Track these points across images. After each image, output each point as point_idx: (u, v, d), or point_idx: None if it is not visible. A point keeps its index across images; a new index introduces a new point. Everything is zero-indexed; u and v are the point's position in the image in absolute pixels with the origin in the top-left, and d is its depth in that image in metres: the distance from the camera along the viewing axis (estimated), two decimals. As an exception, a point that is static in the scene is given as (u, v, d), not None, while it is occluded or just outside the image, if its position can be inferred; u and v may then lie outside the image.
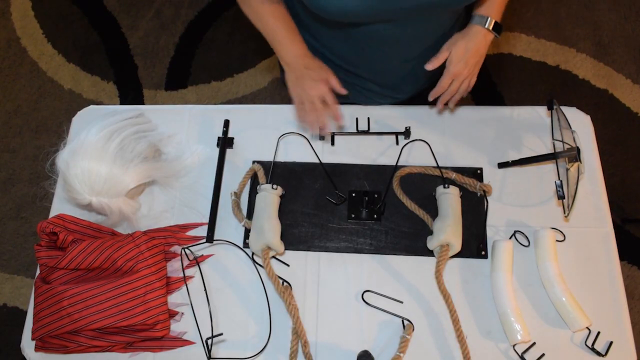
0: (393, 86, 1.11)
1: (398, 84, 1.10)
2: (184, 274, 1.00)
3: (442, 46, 0.96)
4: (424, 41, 0.98)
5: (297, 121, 0.99)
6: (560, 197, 0.92)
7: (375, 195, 1.05)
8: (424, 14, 0.87)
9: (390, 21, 0.88)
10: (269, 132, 1.14)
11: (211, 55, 2.24)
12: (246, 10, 0.97)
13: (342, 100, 1.21)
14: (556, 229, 1.01)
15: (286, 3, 0.99)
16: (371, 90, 1.12)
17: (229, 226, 1.06)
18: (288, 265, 1.02)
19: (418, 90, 1.16)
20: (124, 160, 0.98)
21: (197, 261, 1.02)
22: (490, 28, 0.94)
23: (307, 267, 1.01)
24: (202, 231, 1.05)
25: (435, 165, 1.07)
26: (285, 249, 1.02)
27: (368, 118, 1.13)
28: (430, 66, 0.95)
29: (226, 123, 1.15)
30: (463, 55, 0.94)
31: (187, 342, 0.96)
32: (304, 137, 1.12)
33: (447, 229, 0.94)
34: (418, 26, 0.92)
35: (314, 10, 0.85)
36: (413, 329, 0.94)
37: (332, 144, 1.12)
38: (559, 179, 0.98)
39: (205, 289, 0.99)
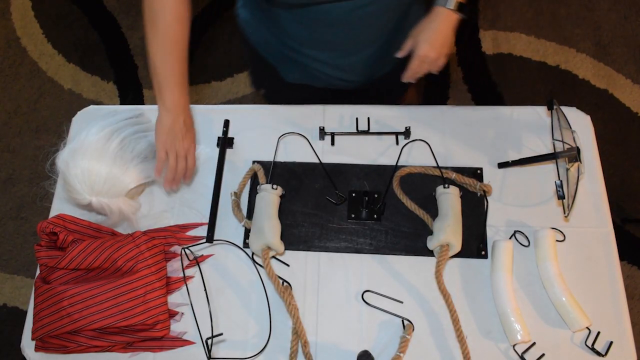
0: (347, 68, 1.10)
1: (353, 66, 1.09)
2: (184, 274, 1.00)
3: (409, 32, 0.99)
4: (374, 22, 0.98)
5: (155, 174, 0.98)
6: (560, 197, 0.92)
7: (375, 195, 1.05)
8: None
9: (339, 1, 0.89)
10: (269, 132, 1.14)
11: (211, 55, 2.24)
12: (149, 27, 0.90)
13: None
14: (556, 229, 1.01)
15: None
16: (325, 72, 1.11)
17: (229, 226, 1.06)
18: (288, 265, 1.02)
19: (377, 75, 1.16)
20: (124, 160, 0.99)
21: (197, 261, 1.02)
22: (452, 8, 0.94)
23: (307, 267, 1.01)
24: (202, 231, 1.05)
25: (435, 165, 1.07)
26: (285, 249, 1.02)
27: (368, 118, 1.13)
28: (400, 54, 1.00)
29: (226, 123, 1.15)
30: (428, 38, 0.96)
31: (187, 342, 0.96)
32: (304, 137, 1.12)
33: (447, 229, 0.95)
34: (367, 6, 0.92)
35: None
36: (413, 329, 0.94)
37: (332, 144, 1.12)
38: (559, 179, 0.98)
39: (205, 289, 0.99)
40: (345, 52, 1.05)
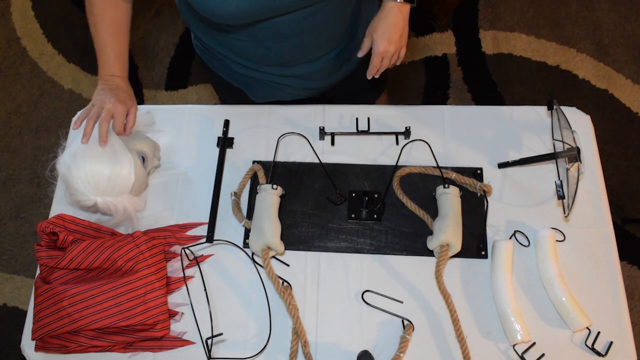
0: (310, 77, 1.10)
1: (315, 74, 1.09)
2: (184, 274, 1.00)
3: (365, 33, 1.00)
4: (326, 28, 0.98)
5: (79, 118, 0.96)
6: (560, 197, 0.92)
7: (375, 195, 1.05)
8: (312, 4, 0.88)
9: (284, 14, 0.89)
10: (269, 132, 1.14)
11: (211, 55, 2.24)
12: (88, 9, 0.96)
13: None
14: (556, 229, 1.01)
15: (184, 18, 1.02)
16: (289, 85, 1.11)
17: (229, 226, 1.06)
18: (288, 265, 1.02)
19: (341, 77, 1.16)
20: (123, 156, 0.98)
21: (197, 261, 1.02)
22: (401, 0, 0.95)
23: (307, 267, 1.01)
24: (202, 231, 1.05)
25: (435, 165, 1.07)
26: (285, 249, 1.02)
27: (368, 118, 1.13)
28: (360, 54, 1.01)
29: (226, 123, 1.15)
30: (385, 34, 0.96)
31: (187, 342, 0.96)
32: (304, 137, 1.12)
33: (447, 229, 0.95)
34: (314, 14, 0.91)
35: (205, 15, 0.85)
36: (413, 329, 0.94)
37: (332, 144, 1.12)
38: (559, 179, 0.98)
39: (205, 289, 0.99)
40: (303, 62, 1.04)
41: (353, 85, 1.23)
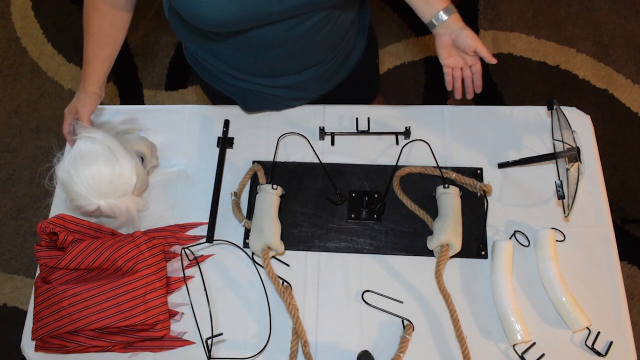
0: (299, 87, 1.09)
1: (305, 84, 1.08)
2: (184, 274, 1.00)
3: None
4: (313, 39, 0.97)
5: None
6: (560, 197, 0.92)
7: (375, 195, 1.05)
8: (300, 14, 0.88)
9: (271, 24, 0.88)
10: (269, 132, 1.14)
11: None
12: (85, 14, 0.98)
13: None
14: (556, 229, 1.01)
15: (174, 29, 1.03)
16: (279, 95, 1.10)
17: (229, 226, 1.06)
18: (288, 265, 1.02)
19: (332, 87, 1.16)
20: (122, 157, 0.98)
21: (197, 261, 1.02)
22: (449, 15, 0.95)
23: (307, 267, 1.01)
24: (202, 231, 1.05)
25: (435, 165, 1.07)
26: (285, 249, 1.02)
27: (368, 118, 1.13)
28: (493, 60, 0.95)
29: (226, 123, 1.15)
30: (470, 35, 0.95)
31: (187, 342, 0.96)
32: (304, 137, 1.12)
33: (447, 229, 0.95)
34: (301, 25, 0.91)
35: (193, 22, 0.85)
36: (413, 329, 0.94)
37: (332, 144, 1.12)
38: (559, 179, 0.98)
39: (205, 289, 0.99)
40: (291, 73, 1.04)
41: (346, 92, 1.23)
